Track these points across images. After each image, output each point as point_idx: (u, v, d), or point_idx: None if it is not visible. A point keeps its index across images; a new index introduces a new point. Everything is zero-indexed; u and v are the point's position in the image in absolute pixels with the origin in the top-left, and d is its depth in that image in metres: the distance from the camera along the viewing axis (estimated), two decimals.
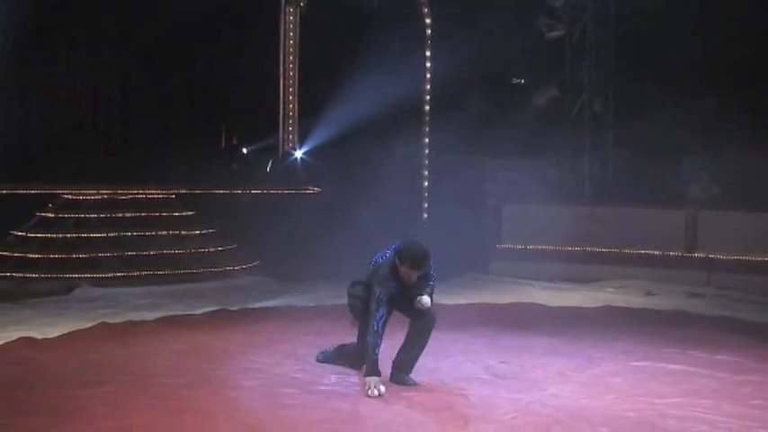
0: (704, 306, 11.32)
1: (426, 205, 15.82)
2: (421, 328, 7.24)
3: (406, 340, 7.30)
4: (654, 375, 7.51)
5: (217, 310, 10.35)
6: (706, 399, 6.77)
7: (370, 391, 6.74)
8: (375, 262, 7.28)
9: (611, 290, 12.37)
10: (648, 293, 12.19)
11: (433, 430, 6.00)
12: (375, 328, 6.89)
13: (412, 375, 7.18)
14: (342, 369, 7.42)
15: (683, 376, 7.49)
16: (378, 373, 6.85)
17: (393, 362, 7.22)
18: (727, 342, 8.78)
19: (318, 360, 7.74)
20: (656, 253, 13.17)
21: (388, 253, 7.20)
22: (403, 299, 7.15)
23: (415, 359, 7.27)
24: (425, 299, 7.15)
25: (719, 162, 14.57)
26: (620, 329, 9.37)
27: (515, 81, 18.34)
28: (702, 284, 12.61)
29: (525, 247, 13.74)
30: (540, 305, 11.10)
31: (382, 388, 6.78)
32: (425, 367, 7.53)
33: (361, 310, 7.24)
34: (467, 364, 7.78)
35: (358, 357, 7.27)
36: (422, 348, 7.28)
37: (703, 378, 7.43)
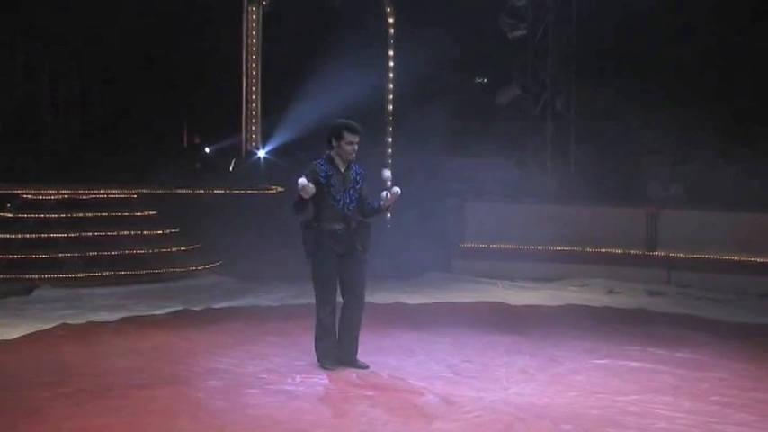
0: (665, 304, 11.44)
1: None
2: (353, 305, 7.40)
3: (342, 324, 7.43)
4: (615, 373, 7.59)
5: (180, 311, 10.30)
6: (666, 395, 6.86)
7: (301, 186, 7.05)
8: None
9: (574, 288, 12.46)
10: (610, 292, 12.31)
11: (397, 429, 6.01)
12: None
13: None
14: (306, 369, 7.41)
15: (643, 373, 7.58)
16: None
17: (339, 346, 7.42)
18: (686, 339, 8.90)
19: (327, 367, 7.43)
20: (618, 252, 13.28)
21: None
22: (341, 260, 7.32)
23: (357, 339, 7.47)
24: (395, 189, 7.28)
25: (681, 161, 14.70)
26: (583, 328, 9.43)
27: (478, 80, 18.42)
28: (663, 283, 12.74)
29: (488, 246, 13.79)
30: (503, 304, 11.16)
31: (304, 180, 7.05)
32: (389, 366, 7.57)
33: (314, 250, 7.33)
34: (430, 363, 7.80)
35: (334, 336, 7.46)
36: (359, 324, 7.46)
37: (663, 375, 7.52)
